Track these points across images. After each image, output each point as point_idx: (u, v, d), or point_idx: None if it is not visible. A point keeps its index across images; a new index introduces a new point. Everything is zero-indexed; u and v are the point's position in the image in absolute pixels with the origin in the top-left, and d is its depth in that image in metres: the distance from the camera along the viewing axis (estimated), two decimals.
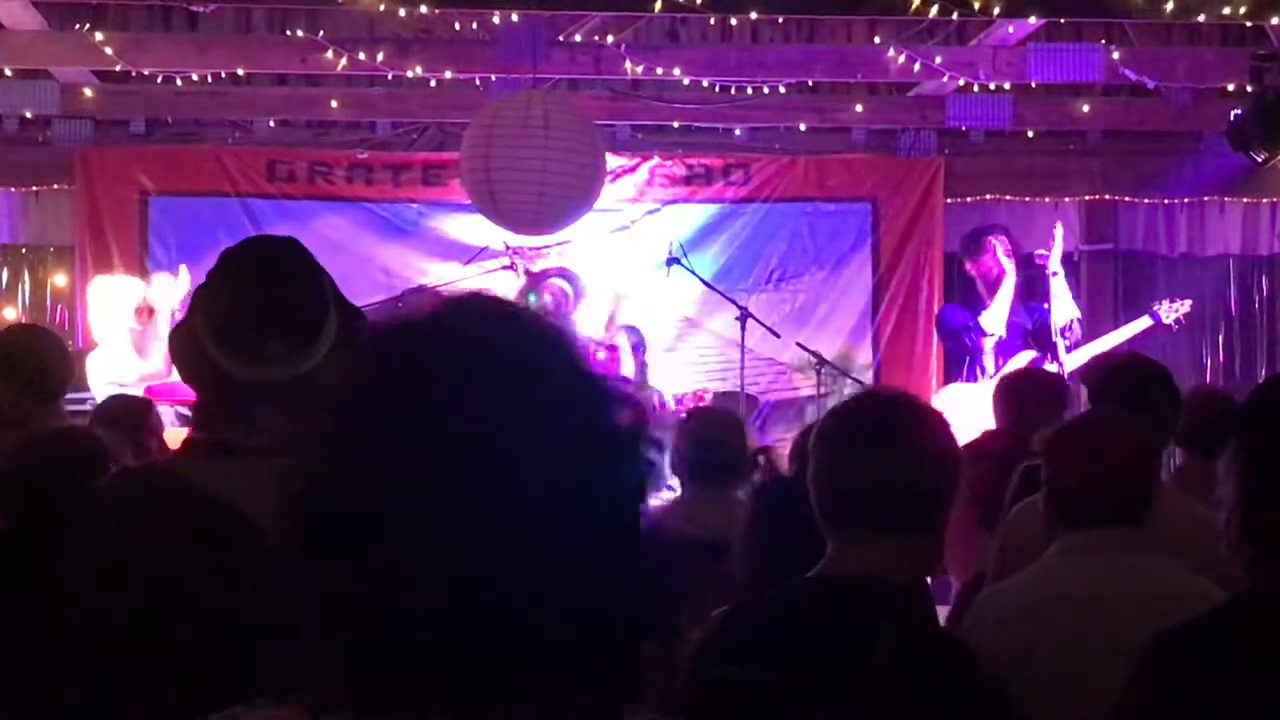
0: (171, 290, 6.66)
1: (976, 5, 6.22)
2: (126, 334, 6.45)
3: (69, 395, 4.67)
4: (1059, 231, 7.31)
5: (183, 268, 6.88)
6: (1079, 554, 2.52)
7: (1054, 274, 7.04)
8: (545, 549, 0.97)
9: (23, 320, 7.89)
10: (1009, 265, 7.11)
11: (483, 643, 0.96)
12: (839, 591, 2.07)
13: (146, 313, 6.51)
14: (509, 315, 1.07)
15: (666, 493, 3.97)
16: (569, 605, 0.98)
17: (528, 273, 7.37)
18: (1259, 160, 7.18)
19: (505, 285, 7.79)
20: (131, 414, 4.24)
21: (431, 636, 0.96)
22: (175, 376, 6.34)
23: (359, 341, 1.98)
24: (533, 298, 7.09)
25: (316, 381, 1.93)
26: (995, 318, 7.09)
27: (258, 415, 1.92)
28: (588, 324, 7.35)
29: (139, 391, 5.73)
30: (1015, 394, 4.89)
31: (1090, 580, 2.47)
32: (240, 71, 7.67)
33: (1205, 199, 8.43)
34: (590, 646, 0.99)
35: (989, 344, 7.05)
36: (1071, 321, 7.11)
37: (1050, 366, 6.92)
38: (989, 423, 6.44)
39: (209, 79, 7.78)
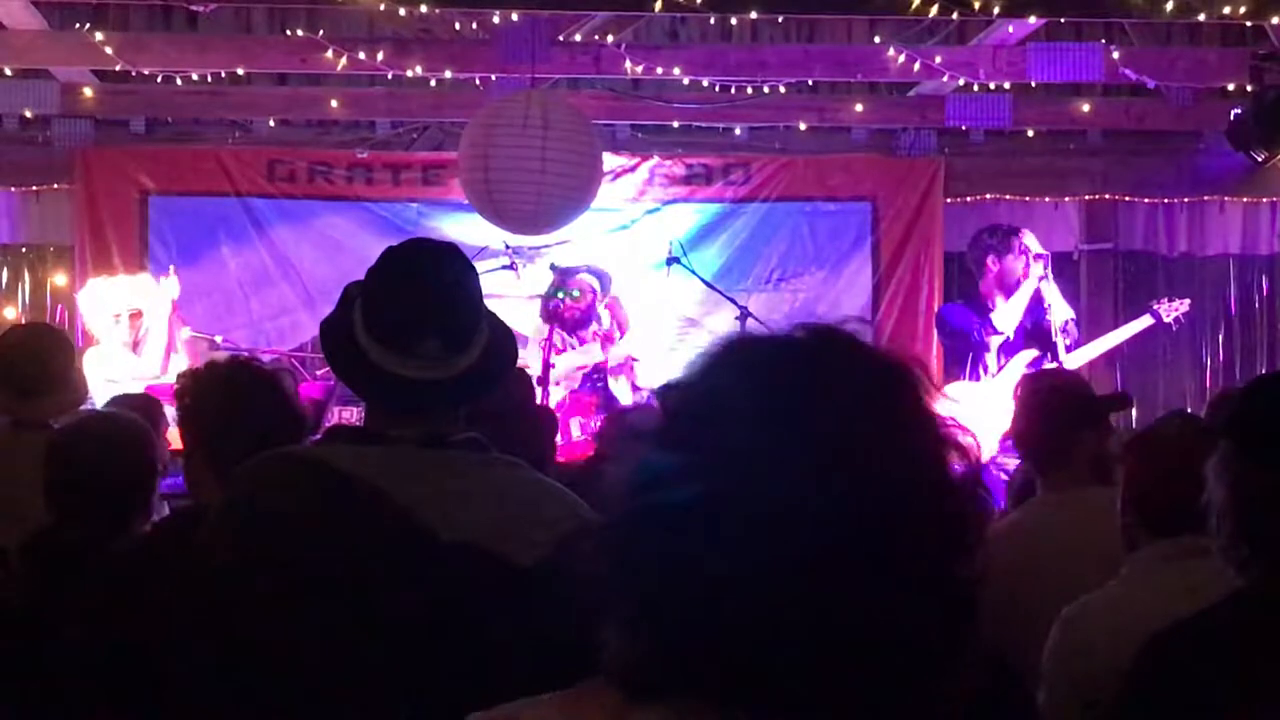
0: (161, 292, 6.67)
1: (976, 5, 6.22)
2: (118, 335, 6.46)
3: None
4: (1031, 240, 7.22)
5: (171, 269, 6.89)
6: (1166, 562, 2.52)
7: (1042, 277, 7.03)
8: (881, 577, 0.97)
9: (23, 320, 7.90)
10: (1036, 267, 7.08)
11: (808, 654, 0.97)
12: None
13: (134, 317, 6.52)
14: (869, 352, 1.09)
15: None
16: (889, 633, 0.98)
17: (555, 268, 7.36)
18: (1259, 160, 7.19)
19: (505, 285, 7.80)
20: (146, 413, 4.25)
21: (764, 643, 0.97)
22: (170, 377, 6.38)
23: (506, 349, 2.09)
24: (561, 294, 7.08)
25: (466, 383, 2.00)
26: (1008, 317, 7.06)
27: (407, 411, 1.97)
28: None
29: (138, 389, 5.74)
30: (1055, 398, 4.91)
31: (1174, 590, 2.46)
32: (240, 71, 7.67)
33: (1205, 199, 8.43)
34: (897, 675, 0.99)
35: (996, 342, 7.04)
36: (1067, 322, 7.11)
37: (1050, 366, 6.92)
38: (991, 423, 6.45)
39: (209, 79, 7.78)
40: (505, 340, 2.11)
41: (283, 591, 1.82)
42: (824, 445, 0.99)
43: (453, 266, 2.08)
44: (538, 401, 5.64)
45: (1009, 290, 7.15)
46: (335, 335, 2.05)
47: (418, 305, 1.99)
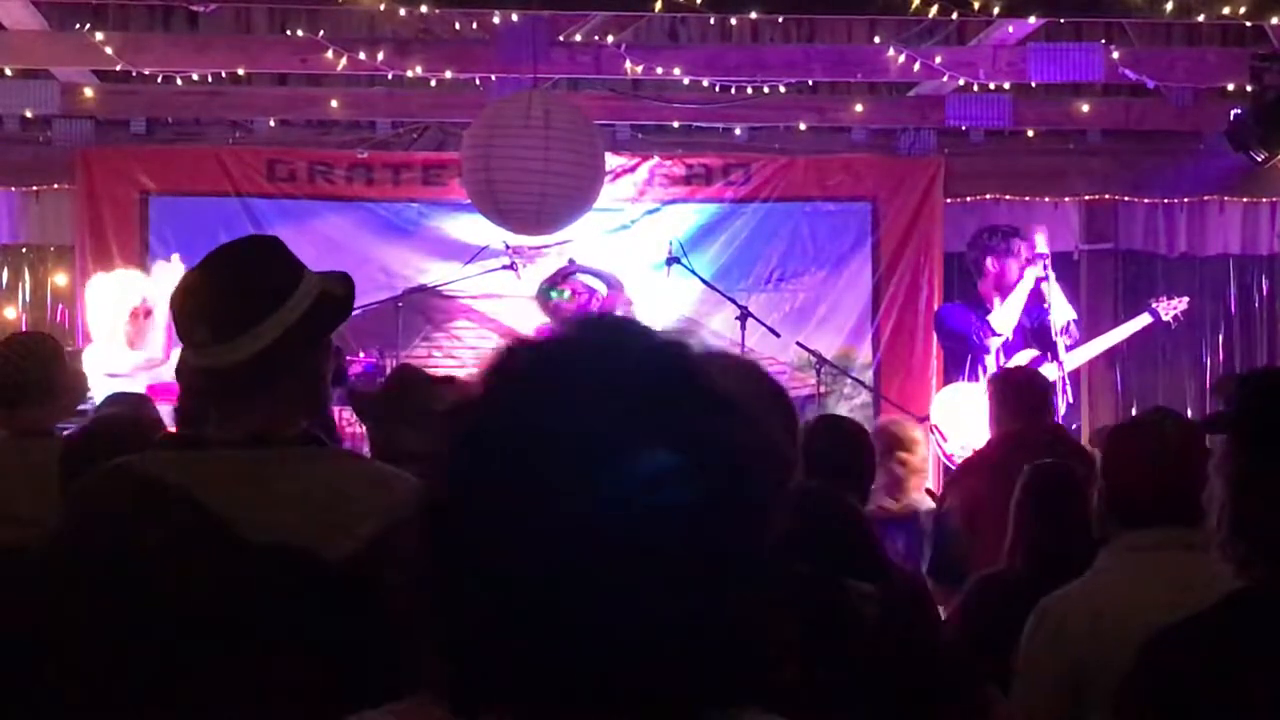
0: (167, 277, 6.69)
1: (976, 5, 6.22)
2: (122, 329, 6.46)
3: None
4: (1041, 237, 7.23)
5: (175, 257, 6.90)
6: (1137, 554, 2.53)
7: (1043, 278, 7.04)
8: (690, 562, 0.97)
9: (23, 320, 7.90)
10: (1034, 267, 7.08)
11: (626, 653, 0.97)
12: None
13: (143, 314, 6.52)
14: (632, 331, 1.09)
15: None
16: (705, 616, 0.98)
17: (571, 262, 7.37)
18: (1259, 160, 7.19)
19: (505, 285, 7.81)
20: (138, 412, 4.27)
21: (574, 649, 0.96)
22: (173, 364, 6.38)
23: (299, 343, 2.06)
24: (554, 293, 7.08)
25: (280, 376, 2.02)
26: (1006, 319, 7.07)
27: (225, 408, 2.01)
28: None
29: (139, 386, 5.76)
30: (1015, 392, 4.92)
31: (1146, 581, 2.47)
32: (240, 71, 7.67)
33: (1205, 199, 8.43)
34: (714, 651, 0.99)
35: (995, 344, 7.04)
36: (1069, 323, 7.11)
37: (1050, 366, 6.93)
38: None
39: (209, 79, 7.78)
40: (303, 339, 2.07)
41: (95, 602, 1.83)
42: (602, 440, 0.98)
43: (239, 259, 2.11)
44: None
45: (1006, 292, 7.16)
46: None
47: (192, 295, 2.07)
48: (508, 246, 7.66)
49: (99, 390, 5.88)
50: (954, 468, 5.98)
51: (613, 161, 7.73)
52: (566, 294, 7.08)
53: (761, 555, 1.02)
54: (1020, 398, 4.91)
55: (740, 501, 1.01)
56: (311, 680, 1.78)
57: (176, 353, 6.64)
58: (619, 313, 7.11)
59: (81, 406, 5.35)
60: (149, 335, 6.46)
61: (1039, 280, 7.04)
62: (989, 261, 7.29)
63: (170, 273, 6.73)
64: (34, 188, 8.11)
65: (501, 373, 1.07)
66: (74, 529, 1.96)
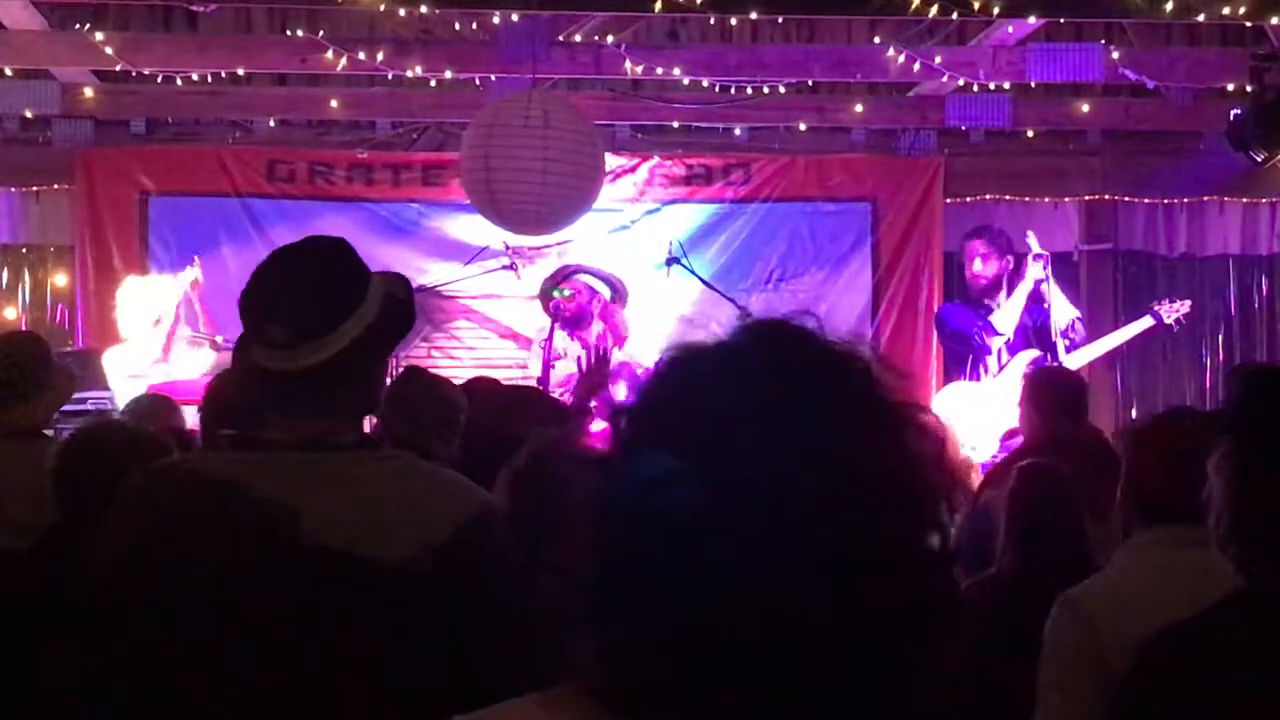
0: (181, 281, 6.75)
1: (976, 5, 6.21)
2: (151, 333, 6.50)
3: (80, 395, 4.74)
4: (1033, 239, 7.22)
5: (196, 260, 6.94)
6: (1153, 549, 2.55)
7: (1041, 280, 7.03)
8: (848, 569, 0.98)
9: (23, 320, 7.91)
10: (1034, 268, 7.07)
11: (781, 653, 0.97)
12: None
13: (175, 320, 6.58)
14: (812, 341, 1.07)
15: None
16: (858, 621, 0.98)
17: (571, 266, 7.37)
18: (1259, 160, 7.18)
19: (505, 285, 7.80)
20: (156, 415, 4.30)
21: (733, 646, 0.97)
22: (171, 365, 6.41)
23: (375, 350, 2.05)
24: (555, 292, 7.09)
25: (346, 379, 2.00)
26: (1008, 319, 7.06)
27: (287, 409, 1.98)
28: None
29: (141, 388, 5.78)
30: (1051, 391, 4.95)
31: (1169, 578, 2.48)
32: (240, 71, 7.67)
33: (1205, 199, 8.43)
34: (867, 663, 0.99)
35: (996, 344, 7.04)
36: (1073, 321, 7.11)
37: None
38: (991, 422, 6.45)
39: (209, 79, 7.78)
40: (377, 341, 2.07)
41: (150, 601, 1.83)
42: (790, 448, 0.98)
43: (316, 258, 2.07)
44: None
45: (988, 293, 7.14)
46: (239, 342, 2.10)
47: (268, 290, 2.01)
48: (507, 247, 7.65)
49: (120, 390, 5.92)
50: (987, 463, 5.93)
51: (612, 162, 7.73)
52: (567, 293, 7.07)
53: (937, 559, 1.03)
54: (1060, 398, 4.92)
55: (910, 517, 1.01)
56: (361, 682, 1.78)
57: (176, 352, 6.66)
58: (612, 310, 7.14)
59: (102, 406, 5.39)
60: (174, 344, 6.52)
61: (1038, 282, 7.04)
62: (972, 258, 7.30)
63: (188, 277, 6.80)
64: (34, 188, 8.11)
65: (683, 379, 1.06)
66: (129, 527, 1.94)
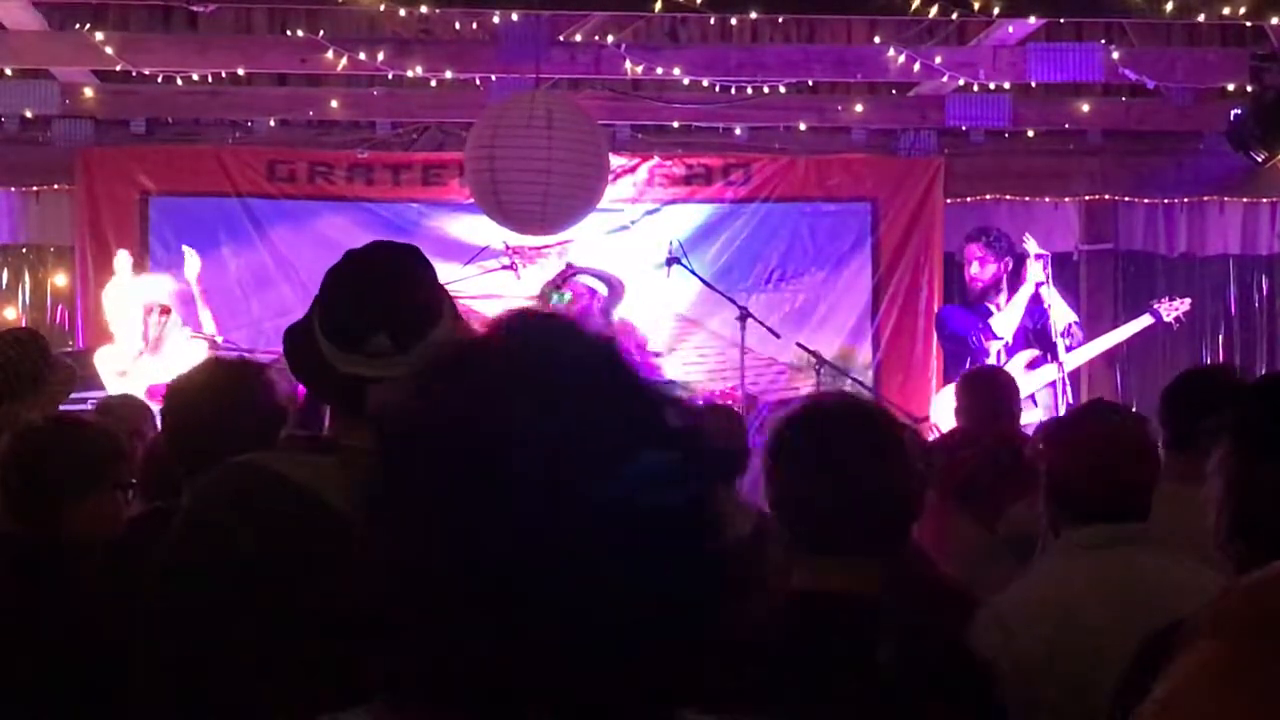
0: (177, 278, 6.77)
1: (976, 5, 6.22)
2: (139, 330, 6.51)
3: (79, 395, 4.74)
4: (1031, 242, 7.21)
5: (189, 250, 6.96)
6: (1084, 551, 2.53)
7: (1041, 283, 7.03)
8: (614, 553, 0.97)
9: (23, 320, 7.91)
10: (1035, 269, 7.07)
11: (556, 645, 0.97)
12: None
13: (160, 311, 6.57)
14: (564, 329, 1.08)
15: None
16: (639, 607, 0.98)
17: (570, 267, 7.37)
18: (1259, 160, 7.19)
19: (505, 285, 7.80)
20: (126, 417, 4.27)
21: (496, 646, 0.97)
22: (160, 359, 6.42)
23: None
24: (556, 296, 7.09)
25: None
26: (1007, 322, 7.06)
27: (358, 413, 1.96)
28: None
29: (140, 387, 5.79)
30: (985, 389, 4.94)
31: (1101, 578, 2.47)
32: (240, 71, 7.67)
33: (1205, 199, 8.43)
34: (654, 646, 0.99)
35: (995, 347, 7.04)
36: (1070, 325, 7.11)
37: (1050, 367, 6.94)
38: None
39: (209, 79, 7.79)
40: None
41: (229, 600, 1.84)
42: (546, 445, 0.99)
43: (407, 265, 2.09)
44: None
45: (987, 296, 7.15)
46: (296, 337, 2.07)
47: (366, 300, 2.00)
48: (507, 247, 7.65)
49: (113, 389, 5.94)
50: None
51: (613, 162, 7.71)
52: (568, 296, 7.08)
53: (718, 550, 1.03)
54: (975, 397, 4.89)
55: (690, 496, 1.01)
56: None
57: (170, 343, 6.67)
58: (608, 309, 7.14)
59: (89, 403, 5.38)
60: (167, 340, 6.51)
61: (1038, 285, 7.04)
62: (973, 260, 7.31)
63: (189, 268, 6.83)
64: (34, 188, 8.11)
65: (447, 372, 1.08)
66: (199, 525, 1.95)
